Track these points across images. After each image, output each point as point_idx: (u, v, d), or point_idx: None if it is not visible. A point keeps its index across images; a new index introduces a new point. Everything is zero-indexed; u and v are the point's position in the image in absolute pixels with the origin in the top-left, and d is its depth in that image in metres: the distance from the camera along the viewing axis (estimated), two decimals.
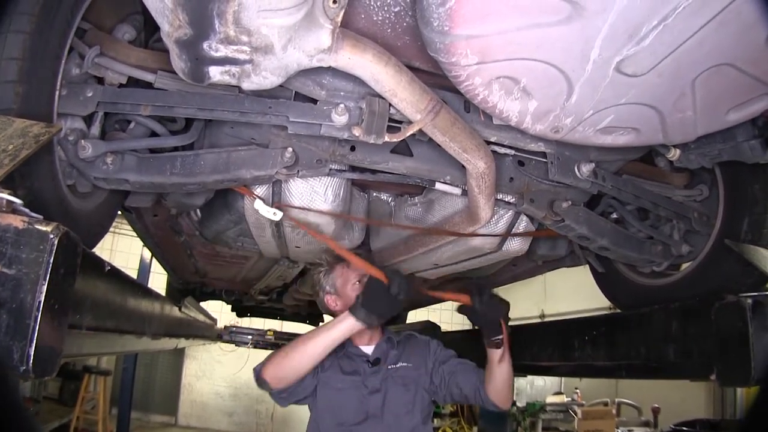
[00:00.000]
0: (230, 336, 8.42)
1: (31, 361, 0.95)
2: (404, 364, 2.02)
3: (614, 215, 2.14)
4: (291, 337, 8.27)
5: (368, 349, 2.04)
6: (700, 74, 1.29)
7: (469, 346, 2.13)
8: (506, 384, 2.01)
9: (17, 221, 0.98)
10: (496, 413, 8.97)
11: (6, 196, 1.03)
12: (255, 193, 1.82)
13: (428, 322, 4.90)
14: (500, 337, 1.95)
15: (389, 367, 2.00)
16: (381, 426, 1.91)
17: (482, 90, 1.36)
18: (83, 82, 1.48)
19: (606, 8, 1.08)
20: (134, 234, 3.14)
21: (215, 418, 11.13)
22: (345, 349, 2.01)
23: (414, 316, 5.98)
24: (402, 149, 1.71)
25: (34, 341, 0.95)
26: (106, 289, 1.68)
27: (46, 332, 0.98)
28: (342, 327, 1.82)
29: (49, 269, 0.98)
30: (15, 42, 1.18)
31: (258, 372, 1.87)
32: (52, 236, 0.99)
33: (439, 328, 4.42)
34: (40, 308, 0.96)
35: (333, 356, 1.93)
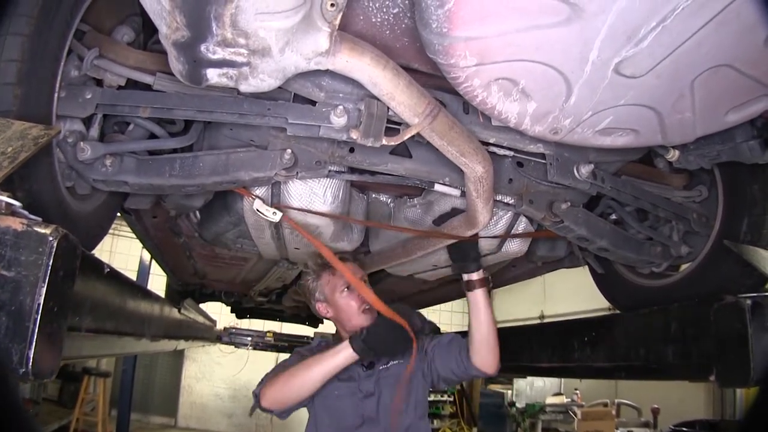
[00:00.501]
0: (230, 337, 8.42)
1: (30, 364, 0.95)
2: (395, 362, 2.02)
3: (613, 216, 2.14)
4: (290, 338, 8.28)
5: None
6: (698, 75, 1.29)
7: None
8: (486, 341, 1.94)
9: (16, 223, 0.98)
10: (496, 413, 9.00)
11: (5, 198, 1.03)
12: (254, 194, 1.82)
13: None
14: (473, 277, 1.97)
15: (381, 368, 2.01)
16: (378, 429, 1.93)
17: (481, 91, 1.35)
18: (82, 83, 1.48)
19: (605, 10, 1.08)
20: (133, 236, 3.15)
21: (215, 419, 11.12)
22: None
23: None
24: (401, 151, 1.70)
25: (34, 344, 0.95)
26: (106, 291, 1.68)
27: (46, 334, 0.98)
28: (341, 357, 1.87)
29: (48, 271, 0.98)
30: (14, 44, 1.17)
31: (258, 397, 1.93)
32: (51, 238, 0.99)
33: (438, 329, 4.41)
34: (40, 311, 0.96)
35: None
